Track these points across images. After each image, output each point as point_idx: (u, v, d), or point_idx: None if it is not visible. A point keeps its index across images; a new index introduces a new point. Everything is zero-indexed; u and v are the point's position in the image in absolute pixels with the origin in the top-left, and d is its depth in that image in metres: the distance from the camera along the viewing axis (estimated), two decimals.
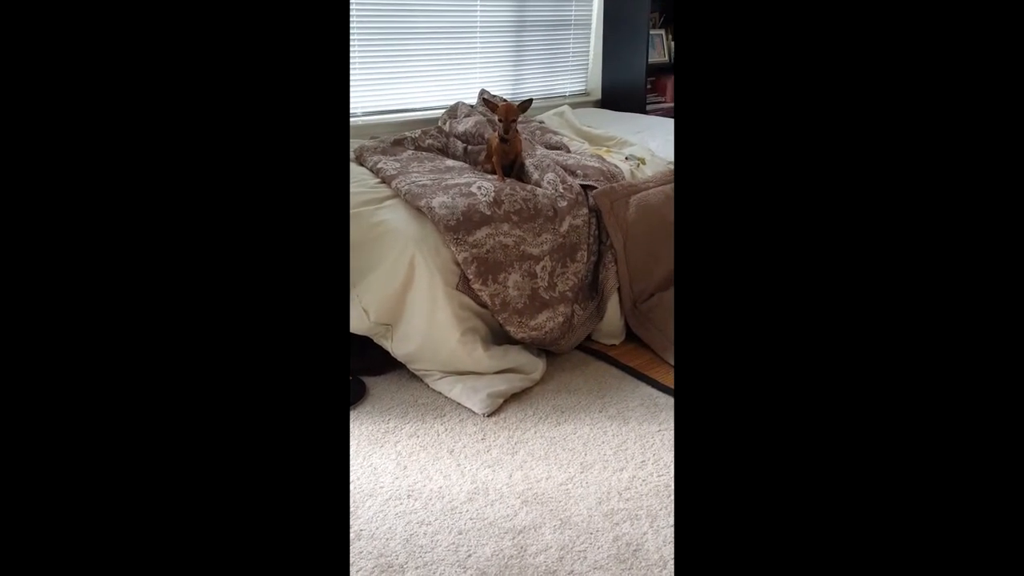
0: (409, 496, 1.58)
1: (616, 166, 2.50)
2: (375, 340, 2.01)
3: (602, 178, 2.39)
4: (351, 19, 2.83)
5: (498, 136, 2.27)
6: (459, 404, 1.93)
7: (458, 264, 1.98)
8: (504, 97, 3.00)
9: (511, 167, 2.33)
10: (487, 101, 2.32)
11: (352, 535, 1.46)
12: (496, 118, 2.25)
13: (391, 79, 3.02)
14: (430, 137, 2.69)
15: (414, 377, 2.04)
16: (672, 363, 2.16)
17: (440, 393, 1.98)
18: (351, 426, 1.83)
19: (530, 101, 2.34)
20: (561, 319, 2.15)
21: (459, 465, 1.69)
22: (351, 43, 2.86)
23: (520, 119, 2.68)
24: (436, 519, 1.51)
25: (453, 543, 1.44)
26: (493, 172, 2.29)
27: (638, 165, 2.59)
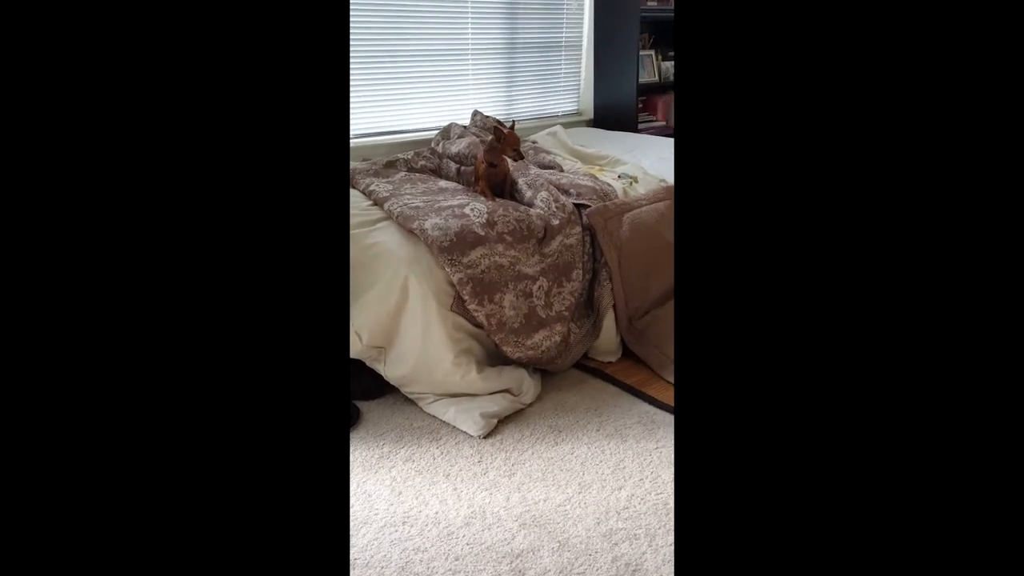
0: (404, 523, 1.55)
1: (609, 184, 2.51)
2: (368, 363, 1.99)
3: (595, 197, 2.39)
4: None
5: (485, 161, 2.28)
6: (455, 427, 1.91)
7: (452, 285, 1.97)
8: (497, 118, 3.01)
9: (501, 189, 2.33)
10: (496, 130, 2.32)
11: None
12: (510, 148, 2.26)
13: (384, 101, 3.03)
14: (423, 159, 2.69)
15: (408, 401, 2.02)
16: (669, 380, 2.14)
17: (435, 416, 1.96)
18: None
19: (513, 124, 2.37)
20: (558, 338, 2.14)
21: (455, 489, 1.66)
22: None
23: None
24: (432, 545, 1.48)
25: (450, 569, 1.41)
26: (483, 195, 2.29)
27: (631, 183, 2.59)
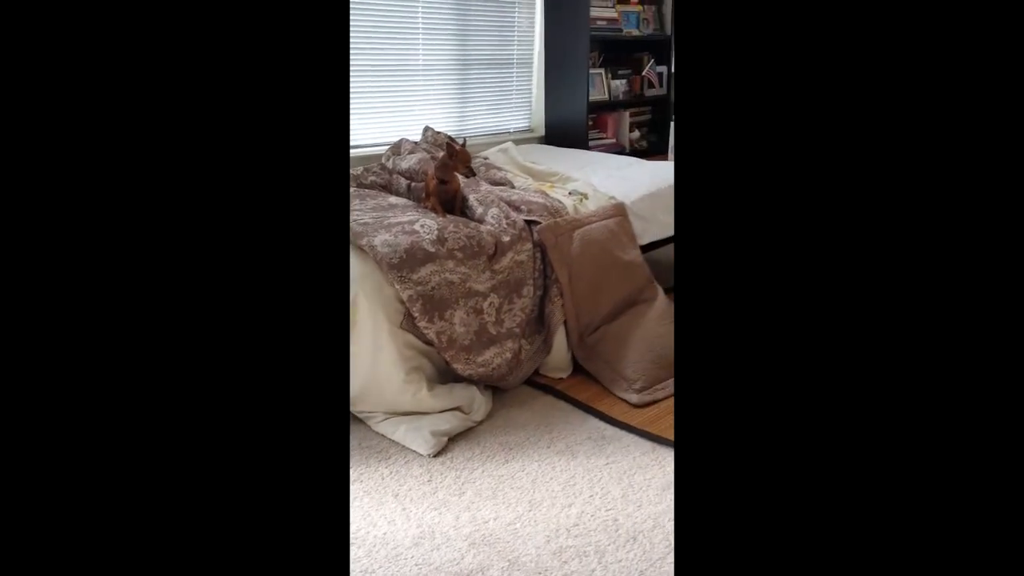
0: (352, 544, 1.52)
1: (559, 201, 2.53)
2: None
3: (546, 213, 2.41)
4: None
5: (436, 177, 2.28)
6: (404, 446, 1.89)
7: (402, 302, 1.96)
8: (449, 134, 3.02)
9: (451, 205, 2.33)
10: (449, 144, 2.32)
11: None
12: (463, 165, 2.26)
13: None
14: (373, 174, 2.67)
15: (357, 419, 1.99)
16: (619, 395, 2.16)
17: (384, 435, 1.93)
18: None
19: (465, 141, 2.38)
20: (509, 355, 2.14)
21: (404, 509, 1.64)
22: None
23: None
24: (380, 567, 1.46)
25: None
26: (434, 211, 2.28)
27: (581, 200, 2.62)
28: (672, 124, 3.81)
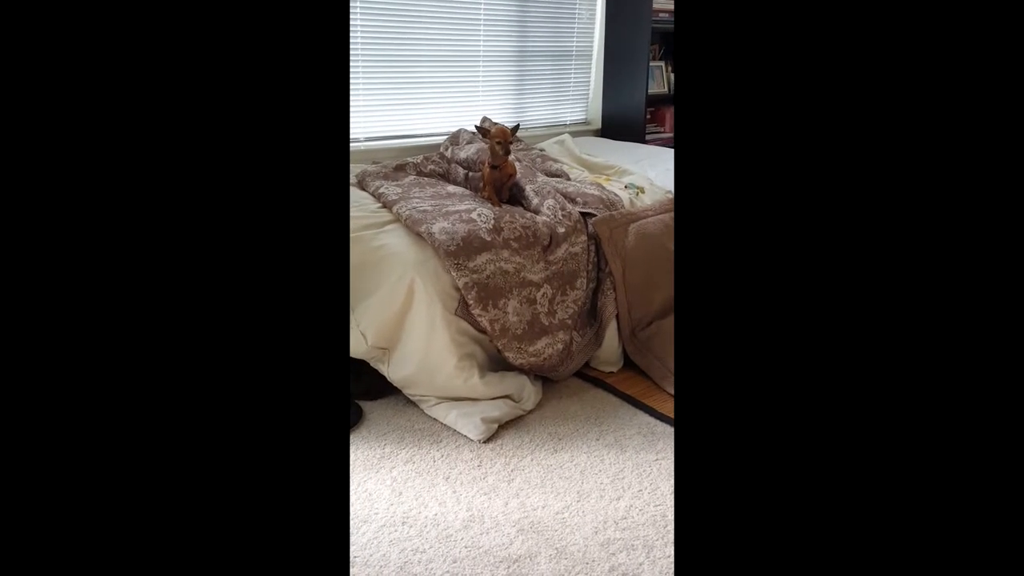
0: (404, 523, 1.56)
1: (615, 194, 2.52)
2: (371, 364, 2.01)
3: (601, 206, 2.40)
4: (356, 46, 2.88)
5: (488, 164, 2.30)
6: (455, 430, 1.92)
7: (458, 289, 1.99)
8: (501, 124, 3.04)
9: (502, 191, 2.35)
10: (480, 129, 2.34)
11: None
12: (494, 143, 2.26)
13: (395, 105, 3.05)
14: (432, 163, 2.71)
15: (410, 402, 2.03)
16: (670, 391, 2.15)
17: (436, 419, 1.97)
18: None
19: (517, 126, 2.36)
20: (560, 346, 2.15)
21: (455, 492, 1.67)
22: (355, 69, 2.90)
23: (520, 146, 2.68)
24: (431, 547, 1.49)
25: (448, 571, 1.42)
26: (491, 200, 2.30)
27: (637, 194, 2.61)
28: None
